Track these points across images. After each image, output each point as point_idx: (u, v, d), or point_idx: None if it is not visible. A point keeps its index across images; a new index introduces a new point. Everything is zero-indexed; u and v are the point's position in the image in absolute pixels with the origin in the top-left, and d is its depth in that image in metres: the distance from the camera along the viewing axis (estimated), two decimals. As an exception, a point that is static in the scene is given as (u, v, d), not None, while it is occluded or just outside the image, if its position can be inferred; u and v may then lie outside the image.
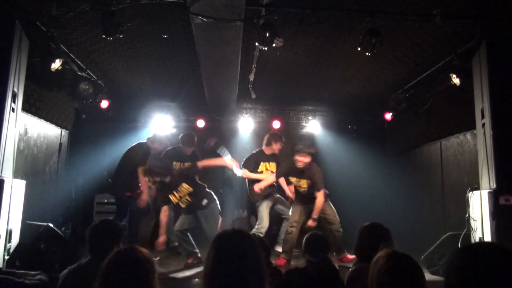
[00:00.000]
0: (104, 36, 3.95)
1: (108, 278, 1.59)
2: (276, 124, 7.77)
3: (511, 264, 1.19)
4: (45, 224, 4.17)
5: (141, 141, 5.79)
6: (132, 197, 5.35)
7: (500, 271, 1.18)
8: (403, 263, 1.61)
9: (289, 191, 5.73)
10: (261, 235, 5.06)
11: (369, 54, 4.13)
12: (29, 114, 4.83)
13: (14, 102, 3.65)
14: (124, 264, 1.62)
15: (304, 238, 3.04)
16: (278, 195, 5.72)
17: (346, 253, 5.12)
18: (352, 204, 6.69)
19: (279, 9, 3.88)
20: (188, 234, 4.86)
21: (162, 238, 4.73)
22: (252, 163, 5.53)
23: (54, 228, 4.21)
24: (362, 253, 2.51)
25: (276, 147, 5.53)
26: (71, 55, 5.12)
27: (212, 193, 4.89)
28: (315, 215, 4.97)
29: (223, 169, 6.82)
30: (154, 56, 5.30)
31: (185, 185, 4.69)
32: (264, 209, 5.37)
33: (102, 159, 6.93)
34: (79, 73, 5.42)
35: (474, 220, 3.97)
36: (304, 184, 5.13)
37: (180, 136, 5.50)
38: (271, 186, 5.50)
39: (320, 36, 4.59)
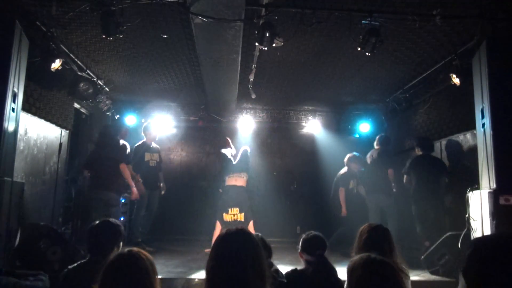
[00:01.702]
0: (104, 36, 3.95)
1: (109, 280, 1.59)
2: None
3: None
4: (45, 224, 4.17)
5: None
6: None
7: None
8: (379, 270, 1.59)
9: None
10: None
11: (369, 54, 4.13)
12: (29, 114, 4.82)
13: (14, 102, 3.64)
14: (125, 266, 1.62)
15: (302, 238, 3.03)
16: None
17: None
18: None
19: (279, 9, 3.88)
20: None
21: None
22: None
23: (54, 228, 4.22)
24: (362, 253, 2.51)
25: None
26: (71, 55, 5.12)
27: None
28: None
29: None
30: (154, 56, 5.30)
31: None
32: None
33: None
34: (79, 73, 5.42)
35: (474, 220, 3.96)
36: None
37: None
38: None
39: (320, 36, 4.59)
